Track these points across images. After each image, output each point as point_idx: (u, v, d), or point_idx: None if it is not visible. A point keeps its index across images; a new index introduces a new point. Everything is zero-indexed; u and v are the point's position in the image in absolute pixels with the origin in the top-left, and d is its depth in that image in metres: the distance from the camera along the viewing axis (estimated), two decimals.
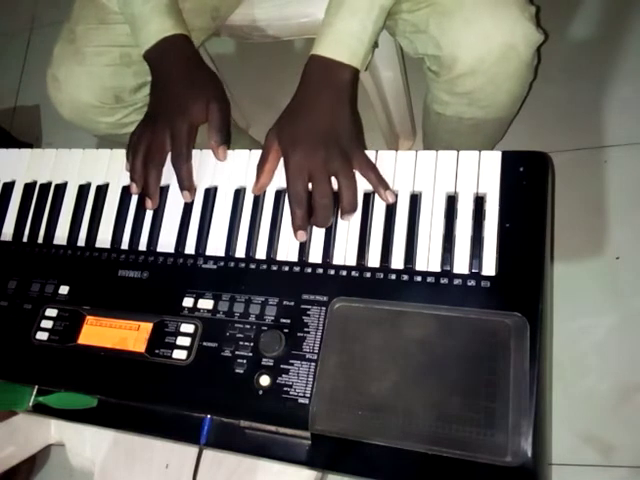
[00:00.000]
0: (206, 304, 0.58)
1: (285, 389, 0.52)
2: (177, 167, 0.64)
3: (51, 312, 0.62)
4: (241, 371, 0.54)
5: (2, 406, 0.62)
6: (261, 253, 0.60)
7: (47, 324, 0.61)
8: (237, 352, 0.55)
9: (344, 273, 0.56)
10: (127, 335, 0.58)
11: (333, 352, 0.53)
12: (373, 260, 0.57)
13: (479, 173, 0.57)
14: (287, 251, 0.59)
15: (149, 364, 0.57)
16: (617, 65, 1.13)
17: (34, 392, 0.60)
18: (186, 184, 0.64)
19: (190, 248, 0.62)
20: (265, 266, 0.59)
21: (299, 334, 0.54)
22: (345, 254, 0.58)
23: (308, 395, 0.51)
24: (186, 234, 0.63)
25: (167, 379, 0.56)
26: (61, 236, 0.68)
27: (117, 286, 0.62)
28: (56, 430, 0.75)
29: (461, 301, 0.52)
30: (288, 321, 0.55)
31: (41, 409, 0.60)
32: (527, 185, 0.56)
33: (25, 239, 0.69)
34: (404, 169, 0.59)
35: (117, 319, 0.59)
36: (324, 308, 0.55)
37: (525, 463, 0.46)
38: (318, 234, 0.59)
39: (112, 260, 0.64)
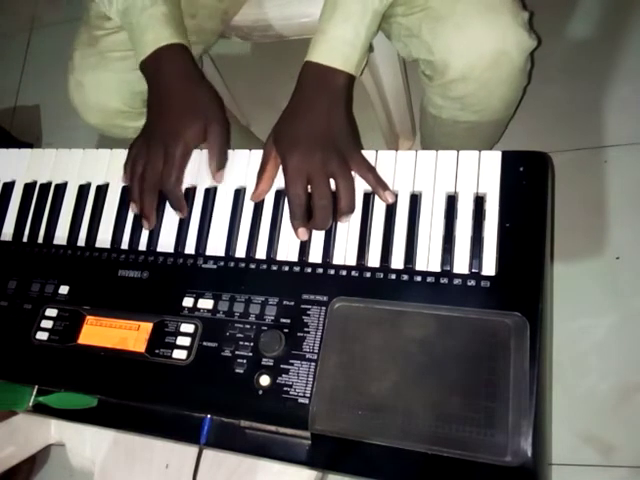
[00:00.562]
0: (206, 304, 0.58)
1: (285, 389, 0.52)
2: (166, 190, 0.63)
3: (51, 312, 0.62)
4: (241, 371, 0.54)
5: (2, 406, 0.62)
6: (261, 253, 0.60)
7: (47, 324, 0.61)
8: (237, 352, 0.55)
9: (344, 273, 0.56)
10: (127, 335, 0.58)
11: (333, 352, 0.53)
12: (373, 260, 0.57)
13: (479, 173, 0.57)
14: (287, 251, 0.59)
15: (149, 364, 0.57)
16: (616, 65, 1.13)
17: (34, 392, 0.60)
18: (176, 205, 0.63)
19: (190, 248, 0.62)
20: (265, 266, 0.59)
21: (299, 334, 0.54)
22: (345, 254, 0.58)
23: (308, 395, 0.51)
24: (186, 234, 0.63)
25: (167, 379, 0.56)
26: (61, 236, 0.68)
27: (117, 286, 0.62)
28: (56, 430, 0.75)
29: (461, 301, 0.52)
30: (288, 321, 0.55)
31: (41, 409, 0.60)
32: (527, 185, 0.56)
33: (25, 239, 0.69)
34: (404, 169, 0.60)
35: (117, 319, 0.59)
36: (324, 308, 0.55)
37: (525, 463, 0.46)
38: (318, 234, 0.59)
39: (112, 260, 0.64)
